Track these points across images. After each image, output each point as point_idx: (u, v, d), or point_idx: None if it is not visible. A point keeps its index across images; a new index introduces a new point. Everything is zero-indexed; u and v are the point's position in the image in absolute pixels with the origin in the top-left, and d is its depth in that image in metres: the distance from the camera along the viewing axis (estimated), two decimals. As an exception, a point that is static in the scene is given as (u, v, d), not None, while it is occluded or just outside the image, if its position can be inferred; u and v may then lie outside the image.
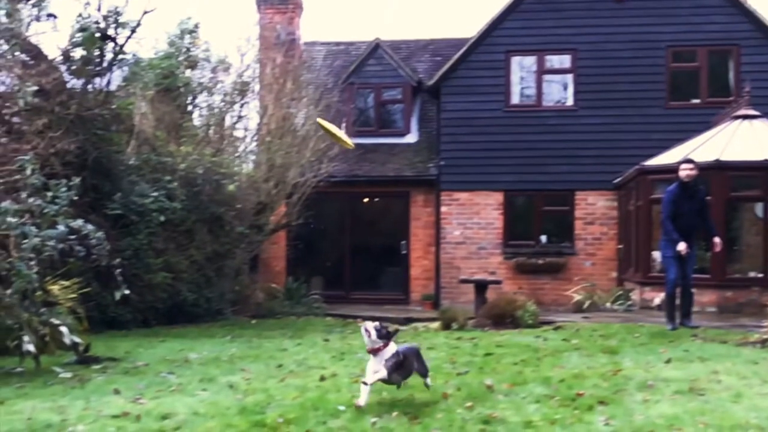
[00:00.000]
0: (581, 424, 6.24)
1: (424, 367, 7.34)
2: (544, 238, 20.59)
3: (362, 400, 6.74)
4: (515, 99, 20.96)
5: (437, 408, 6.88)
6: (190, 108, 20.57)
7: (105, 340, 12.39)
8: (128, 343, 12.64)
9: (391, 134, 22.69)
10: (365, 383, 6.83)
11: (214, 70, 20.21)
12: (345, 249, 22.26)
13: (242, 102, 20.11)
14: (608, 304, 17.78)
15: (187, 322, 16.16)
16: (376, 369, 6.84)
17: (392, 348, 6.94)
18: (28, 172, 9.40)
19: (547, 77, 20.88)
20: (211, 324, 16.17)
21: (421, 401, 7.15)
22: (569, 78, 20.77)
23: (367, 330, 6.84)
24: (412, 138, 22.56)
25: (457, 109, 20.78)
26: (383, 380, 6.95)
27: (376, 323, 6.92)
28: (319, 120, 8.78)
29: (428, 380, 7.43)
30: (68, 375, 9.42)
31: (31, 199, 9.53)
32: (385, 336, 6.89)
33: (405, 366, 7.05)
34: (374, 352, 6.85)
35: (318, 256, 22.32)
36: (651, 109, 20.18)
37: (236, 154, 19.96)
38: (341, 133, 7.72)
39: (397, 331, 7.20)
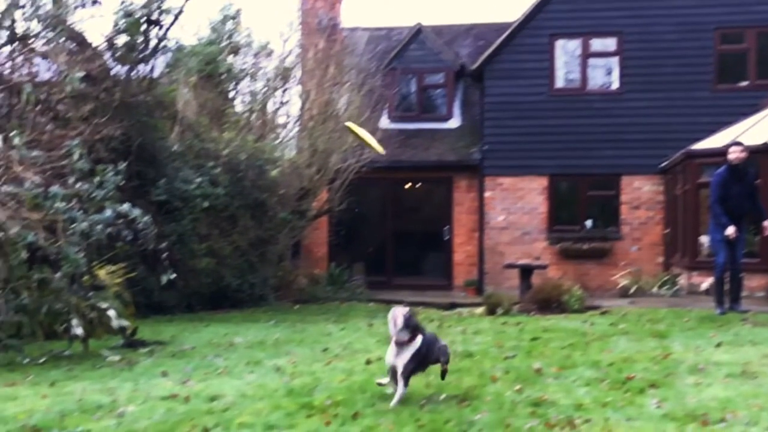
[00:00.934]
0: (633, 407, 6.16)
1: (444, 353, 6.83)
2: (589, 223, 20.37)
3: (394, 400, 6.36)
4: (560, 83, 20.72)
5: (486, 391, 6.82)
6: (232, 94, 20.64)
7: (150, 325, 12.48)
8: (174, 328, 12.73)
9: (434, 119, 22.55)
10: (379, 383, 6.70)
11: (256, 56, 20.25)
12: (387, 235, 22.19)
13: (284, 88, 20.13)
14: (655, 290, 17.55)
15: (231, 307, 16.25)
16: (393, 363, 6.43)
17: (417, 343, 6.48)
18: (76, 157, 9.46)
19: (592, 60, 20.60)
20: (255, 309, 16.24)
21: (469, 384, 7.09)
22: (615, 61, 20.47)
23: (395, 319, 6.40)
24: (454, 123, 22.41)
25: (501, 94, 20.59)
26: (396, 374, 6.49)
27: (406, 311, 6.47)
28: (348, 124, 8.53)
29: (447, 367, 6.90)
30: (116, 358, 9.51)
31: (78, 184, 9.60)
32: (413, 328, 6.46)
33: (427, 358, 6.61)
34: (398, 345, 6.43)
35: (360, 242, 22.30)
36: (698, 92, 19.84)
37: (279, 140, 19.97)
38: (371, 138, 7.33)
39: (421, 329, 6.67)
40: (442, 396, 6.61)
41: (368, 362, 8.47)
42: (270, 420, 5.90)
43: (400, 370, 6.35)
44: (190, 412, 6.21)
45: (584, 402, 6.32)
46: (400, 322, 6.35)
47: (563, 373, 7.65)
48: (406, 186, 22.31)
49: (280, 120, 20.49)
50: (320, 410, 6.21)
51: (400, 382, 6.38)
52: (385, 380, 6.68)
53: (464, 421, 5.75)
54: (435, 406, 6.30)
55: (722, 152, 12.54)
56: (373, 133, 19.18)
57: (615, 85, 20.54)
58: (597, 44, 20.63)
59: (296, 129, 20.52)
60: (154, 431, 5.61)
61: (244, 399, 6.71)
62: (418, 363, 6.49)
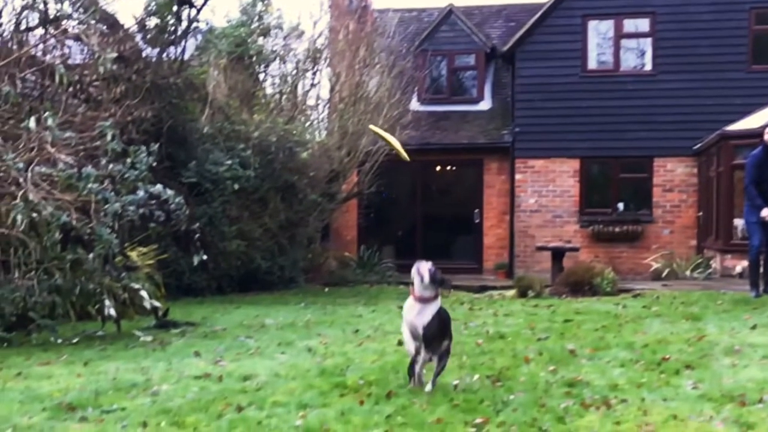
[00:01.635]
0: (668, 388, 6.09)
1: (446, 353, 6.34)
2: (621, 206, 20.18)
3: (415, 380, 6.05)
4: (592, 64, 20.51)
5: (519, 372, 6.77)
6: (262, 76, 20.65)
7: (181, 307, 12.54)
8: (204, 309, 12.79)
9: (464, 101, 22.42)
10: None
11: (286, 38, 20.21)
12: (417, 218, 22.13)
13: (314, 69, 20.07)
14: (687, 273, 17.40)
15: (261, 290, 16.29)
16: (414, 321, 5.94)
17: (438, 303, 6.03)
18: (109, 137, 9.47)
19: (624, 41, 20.36)
20: (284, 292, 16.28)
21: (502, 365, 7.04)
22: (648, 42, 20.22)
23: (420, 273, 5.89)
24: (485, 105, 22.27)
25: (533, 75, 20.41)
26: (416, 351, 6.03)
27: (431, 264, 5.97)
28: (372, 127, 8.32)
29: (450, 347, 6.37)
30: (149, 338, 9.56)
31: (111, 165, 9.62)
32: (439, 283, 5.99)
33: (446, 328, 6.16)
34: (422, 301, 5.96)
35: (389, 225, 22.25)
36: (732, 72, 19.55)
37: (309, 122, 19.94)
38: (396, 142, 7.06)
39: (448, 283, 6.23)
40: (476, 376, 6.57)
41: (400, 343, 8.41)
42: (303, 399, 5.88)
43: (420, 330, 5.91)
44: (224, 391, 6.22)
45: (619, 383, 6.26)
46: (427, 276, 5.89)
47: (597, 354, 7.58)
48: (437, 169, 22.21)
49: (310, 102, 20.46)
50: (353, 390, 6.19)
51: (418, 343, 5.93)
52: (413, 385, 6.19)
53: (498, 401, 5.70)
54: (468, 386, 6.25)
55: (757, 133, 12.37)
56: (403, 115, 19.25)
57: (648, 66, 20.31)
58: (630, 25, 20.38)
59: (326, 111, 20.48)
60: (188, 409, 5.61)
61: (277, 378, 6.71)
62: (441, 329, 6.03)
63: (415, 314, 5.96)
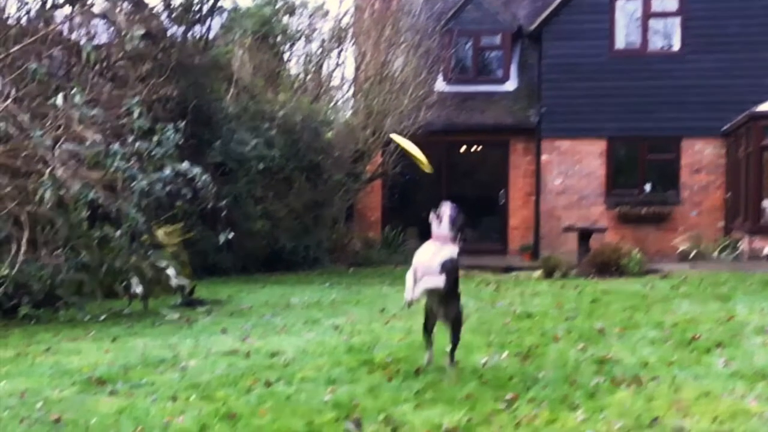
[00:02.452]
0: (700, 366, 6.05)
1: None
2: (648, 187, 19.99)
3: (408, 295, 5.59)
4: (619, 44, 20.27)
5: (548, 350, 6.73)
6: (287, 55, 20.59)
7: (207, 286, 12.56)
8: (230, 289, 12.81)
9: (490, 81, 22.24)
10: (408, 303, 5.69)
11: (311, 17, 20.14)
12: (441, 199, 21.86)
13: (340, 49, 20.00)
14: (715, 254, 17.24)
15: (286, 270, 16.29)
16: (426, 265, 5.60)
17: (456, 249, 5.74)
18: (136, 115, 9.46)
19: (652, 21, 20.10)
20: (309, 272, 16.27)
21: (530, 343, 7.00)
22: (676, 21, 19.95)
23: (442, 213, 5.71)
24: (511, 85, 22.09)
25: (559, 55, 20.20)
26: (430, 290, 5.63)
27: (455, 205, 5.82)
28: (394, 136, 8.00)
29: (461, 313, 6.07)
30: (175, 316, 9.59)
31: (138, 143, 9.62)
32: (459, 229, 5.76)
33: (457, 285, 5.88)
34: (440, 240, 5.73)
35: (413, 206, 22.10)
36: (763, 52, 19.24)
37: (334, 102, 19.88)
38: (418, 152, 6.65)
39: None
40: (504, 354, 6.53)
41: (427, 321, 8.40)
42: (332, 375, 5.88)
43: (437, 267, 5.55)
44: (252, 367, 6.22)
45: (650, 360, 6.22)
46: (447, 217, 5.72)
47: (626, 333, 7.53)
48: (462, 150, 22.08)
49: (335, 82, 20.38)
50: (381, 366, 6.17)
51: (438, 279, 5.53)
52: (428, 357, 6.05)
53: (528, 378, 5.66)
54: (497, 363, 6.22)
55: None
56: (428, 95, 19.13)
57: (676, 45, 20.04)
58: (658, 4, 20.11)
59: (351, 91, 20.41)
60: (217, 384, 5.61)
61: (304, 355, 6.70)
62: (455, 271, 5.68)
63: (431, 254, 5.67)
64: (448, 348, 5.95)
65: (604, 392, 5.28)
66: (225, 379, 5.79)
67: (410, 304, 5.72)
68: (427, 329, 6.06)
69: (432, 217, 5.78)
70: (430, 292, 5.72)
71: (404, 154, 6.54)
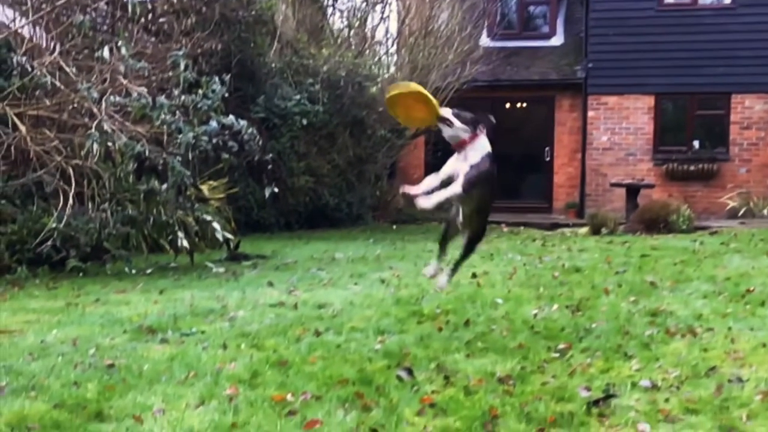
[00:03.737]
0: (754, 318, 5.95)
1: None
2: (696, 144, 19.60)
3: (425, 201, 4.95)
4: (669, -3, 19.82)
5: (599, 302, 6.63)
6: (330, 10, 20.39)
7: (250, 242, 12.58)
8: (273, 244, 12.84)
9: (536, 37, 21.88)
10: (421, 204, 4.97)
11: (355, -29, 19.88)
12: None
13: (384, 3, 19.75)
14: (765, 212, 16.92)
15: (329, 227, 16.29)
16: (455, 173, 4.99)
17: (484, 145, 5.04)
18: (182, 67, 9.41)
19: (703, -28, 19.62)
20: (352, 228, 16.26)
21: (581, 296, 6.90)
22: (728, -27, 19.45)
23: (444, 121, 4.97)
24: (557, 40, 21.70)
25: (607, 9, 19.76)
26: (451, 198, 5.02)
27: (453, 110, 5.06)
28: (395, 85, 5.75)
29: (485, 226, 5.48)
30: (221, 270, 9.62)
31: (183, 96, 9.58)
32: (471, 123, 5.00)
33: (491, 181, 5.11)
34: (458, 147, 5.08)
35: (457, 164, 21.95)
36: (818, 6, 18.72)
37: (378, 57, 19.67)
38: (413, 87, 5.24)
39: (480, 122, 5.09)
40: (554, 306, 6.45)
41: (474, 276, 8.34)
42: (381, 325, 5.84)
43: (468, 167, 4.94)
44: (300, 318, 6.20)
45: (703, 313, 6.11)
46: (453, 117, 4.98)
47: (678, 286, 7.42)
48: (506, 106, 21.80)
49: (379, 36, 20.16)
50: (430, 317, 6.13)
51: (456, 186, 4.90)
52: (432, 268, 5.61)
53: (580, 329, 5.58)
54: (548, 315, 6.14)
55: None
56: (473, 50, 18.85)
57: (727, -1, 19.55)
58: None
59: (395, 46, 20.17)
60: (267, 333, 5.59)
61: (352, 307, 6.67)
62: (485, 177, 4.98)
63: (456, 162, 5.06)
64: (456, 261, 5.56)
65: (659, 343, 5.19)
66: (274, 328, 5.78)
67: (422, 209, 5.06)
68: (442, 241, 5.59)
69: (442, 128, 5.07)
70: (454, 201, 5.14)
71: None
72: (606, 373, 4.50)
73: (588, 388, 4.18)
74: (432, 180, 5.10)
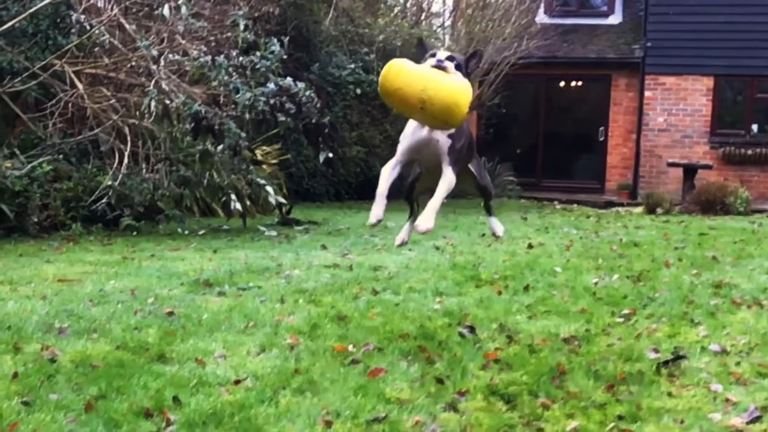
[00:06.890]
0: (822, 295, 5.74)
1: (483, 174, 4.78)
2: (755, 128, 19.18)
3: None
4: (732, -24, 19.35)
5: (661, 274, 6.50)
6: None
7: (300, 210, 12.55)
8: (324, 212, 12.83)
9: (594, 14, 21.53)
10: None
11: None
12: (538, 134, 21.49)
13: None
14: (824, 199, 16.55)
15: (379, 198, 16.18)
16: (417, 146, 4.13)
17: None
18: (241, 27, 9.38)
19: (770, -49, 19.09)
20: (402, 200, 16.14)
21: (641, 268, 6.76)
22: (797, -48, 18.92)
23: (439, 59, 3.85)
24: (615, 19, 21.33)
25: (667, -13, 19.39)
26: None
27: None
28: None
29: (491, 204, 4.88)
30: (273, 233, 9.61)
31: (241, 57, 9.55)
32: (457, 63, 3.91)
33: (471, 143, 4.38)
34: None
35: (508, 141, 21.71)
36: None
37: (434, 28, 19.48)
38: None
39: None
40: (615, 276, 6.32)
41: (530, 246, 8.24)
42: (438, 287, 5.77)
43: (447, 162, 4.09)
44: (356, 278, 6.16)
45: (768, 287, 5.94)
46: (437, 55, 3.94)
47: (740, 262, 7.26)
48: (561, 84, 21.51)
49: (436, 7, 19.96)
50: (488, 282, 6.04)
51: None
52: (403, 236, 4.97)
53: (643, 297, 5.47)
54: (609, 284, 6.01)
55: None
56: (530, 25, 18.59)
57: (794, -21, 19.04)
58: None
59: (452, 18, 19.95)
60: (324, 291, 5.56)
61: (408, 270, 6.61)
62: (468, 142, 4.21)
63: (417, 131, 4.17)
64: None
65: (725, 312, 5.06)
66: (330, 287, 5.74)
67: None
68: (409, 199, 5.07)
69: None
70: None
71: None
72: (673, 338, 4.40)
73: (656, 350, 4.10)
74: (390, 173, 4.39)
